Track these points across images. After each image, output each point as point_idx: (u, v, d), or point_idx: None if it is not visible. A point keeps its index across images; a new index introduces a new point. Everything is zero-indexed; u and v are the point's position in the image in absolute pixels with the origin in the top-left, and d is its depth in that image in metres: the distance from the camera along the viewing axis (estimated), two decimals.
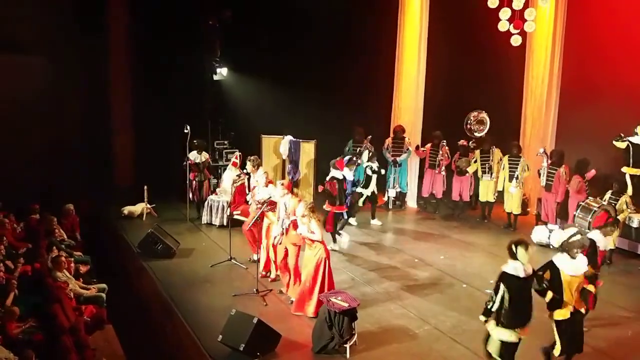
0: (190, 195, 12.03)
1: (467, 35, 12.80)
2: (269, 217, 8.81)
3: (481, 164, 11.86)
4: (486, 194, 11.90)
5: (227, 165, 12.38)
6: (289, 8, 13.68)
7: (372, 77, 13.97)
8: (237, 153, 12.34)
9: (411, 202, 13.29)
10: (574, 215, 9.55)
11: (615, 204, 9.44)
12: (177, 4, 13.23)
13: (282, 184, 8.39)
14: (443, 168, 12.38)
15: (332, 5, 13.19)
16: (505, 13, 10.30)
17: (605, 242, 7.25)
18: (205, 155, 12.01)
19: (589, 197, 9.83)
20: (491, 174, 11.70)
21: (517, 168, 11.21)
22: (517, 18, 10.24)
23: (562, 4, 11.40)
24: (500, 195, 11.75)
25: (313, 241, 7.59)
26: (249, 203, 9.48)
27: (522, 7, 10.21)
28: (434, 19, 12.88)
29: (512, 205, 11.37)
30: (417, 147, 12.85)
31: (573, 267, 5.99)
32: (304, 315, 7.65)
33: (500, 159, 11.55)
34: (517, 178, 11.19)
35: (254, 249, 9.25)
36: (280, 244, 8.28)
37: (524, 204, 11.72)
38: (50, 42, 13.20)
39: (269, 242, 8.78)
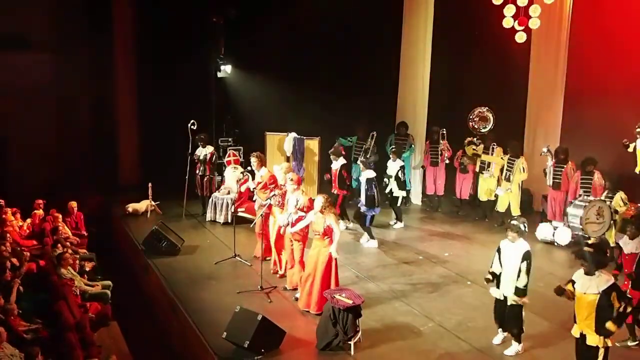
0: (198, 191, 12.06)
1: (472, 31, 12.77)
2: (275, 214, 8.81)
3: (480, 161, 11.77)
4: (486, 193, 11.77)
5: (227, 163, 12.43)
6: (293, 5, 13.66)
7: (376, 74, 13.94)
8: (231, 151, 12.43)
9: (415, 199, 13.27)
10: (568, 213, 9.58)
11: (611, 202, 9.35)
12: (182, 2, 13.23)
13: (292, 179, 8.13)
14: (446, 158, 12.26)
15: (336, 2, 13.17)
16: (509, 9, 10.26)
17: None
18: (209, 149, 12.02)
19: (582, 195, 9.83)
20: (489, 170, 11.56)
21: (512, 167, 11.04)
22: (522, 14, 10.19)
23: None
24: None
25: (324, 235, 7.50)
26: (254, 200, 9.48)
27: (527, 4, 10.16)
28: (438, 15, 12.85)
29: (505, 205, 11.18)
30: (422, 167, 12.84)
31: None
32: (309, 312, 7.64)
33: (502, 158, 11.44)
34: (507, 179, 11.04)
35: (268, 252, 9.20)
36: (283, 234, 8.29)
37: (529, 202, 11.65)
38: (56, 39, 13.27)
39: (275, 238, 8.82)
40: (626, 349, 6.82)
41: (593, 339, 5.58)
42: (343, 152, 11.07)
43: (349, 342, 6.74)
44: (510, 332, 6.73)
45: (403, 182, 11.29)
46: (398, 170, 11.14)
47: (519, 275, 6.51)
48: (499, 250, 6.75)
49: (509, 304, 6.63)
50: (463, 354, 6.79)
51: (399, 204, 11.39)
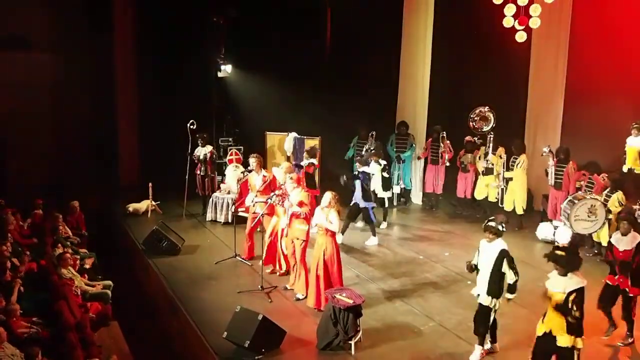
0: (199, 191, 12.05)
1: (472, 31, 12.76)
2: (277, 212, 8.82)
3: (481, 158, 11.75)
4: (485, 192, 11.72)
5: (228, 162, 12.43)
6: (293, 5, 13.66)
7: (376, 74, 13.94)
8: (233, 150, 12.45)
9: (416, 199, 13.26)
10: (561, 208, 9.57)
11: (607, 201, 9.33)
12: (182, 2, 13.23)
13: (292, 178, 8.18)
14: (447, 161, 12.23)
15: (336, 2, 13.17)
16: (510, 9, 10.26)
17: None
18: (208, 148, 12.00)
19: (578, 192, 9.84)
20: (487, 160, 11.50)
21: (514, 166, 11.05)
22: (522, 14, 10.19)
23: None
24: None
25: (327, 231, 7.55)
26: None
27: (527, 3, 10.15)
28: (438, 15, 12.84)
29: (510, 204, 11.16)
30: (418, 158, 12.81)
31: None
32: (309, 312, 7.65)
33: (501, 156, 11.44)
34: (500, 176, 11.06)
35: (247, 252, 9.48)
36: (286, 236, 8.31)
37: (529, 202, 11.64)
38: (56, 39, 13.26)
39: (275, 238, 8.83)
40: (626, 345, 6.88)
41: (564, 340, 5.50)
42: (317, 156, 11.11)
43: (350, 342, 6.74)
44: (476, 332, 6.60)
45: (388, 181, 11.18)
46: (381, 170, 11.02)
47: (503, 275, 6.36)
48: (479, 249, 6.60)
49: (479, 302, 6.50)
50: (463, 353, 6.78)
51: (386, 205, 11.35)
